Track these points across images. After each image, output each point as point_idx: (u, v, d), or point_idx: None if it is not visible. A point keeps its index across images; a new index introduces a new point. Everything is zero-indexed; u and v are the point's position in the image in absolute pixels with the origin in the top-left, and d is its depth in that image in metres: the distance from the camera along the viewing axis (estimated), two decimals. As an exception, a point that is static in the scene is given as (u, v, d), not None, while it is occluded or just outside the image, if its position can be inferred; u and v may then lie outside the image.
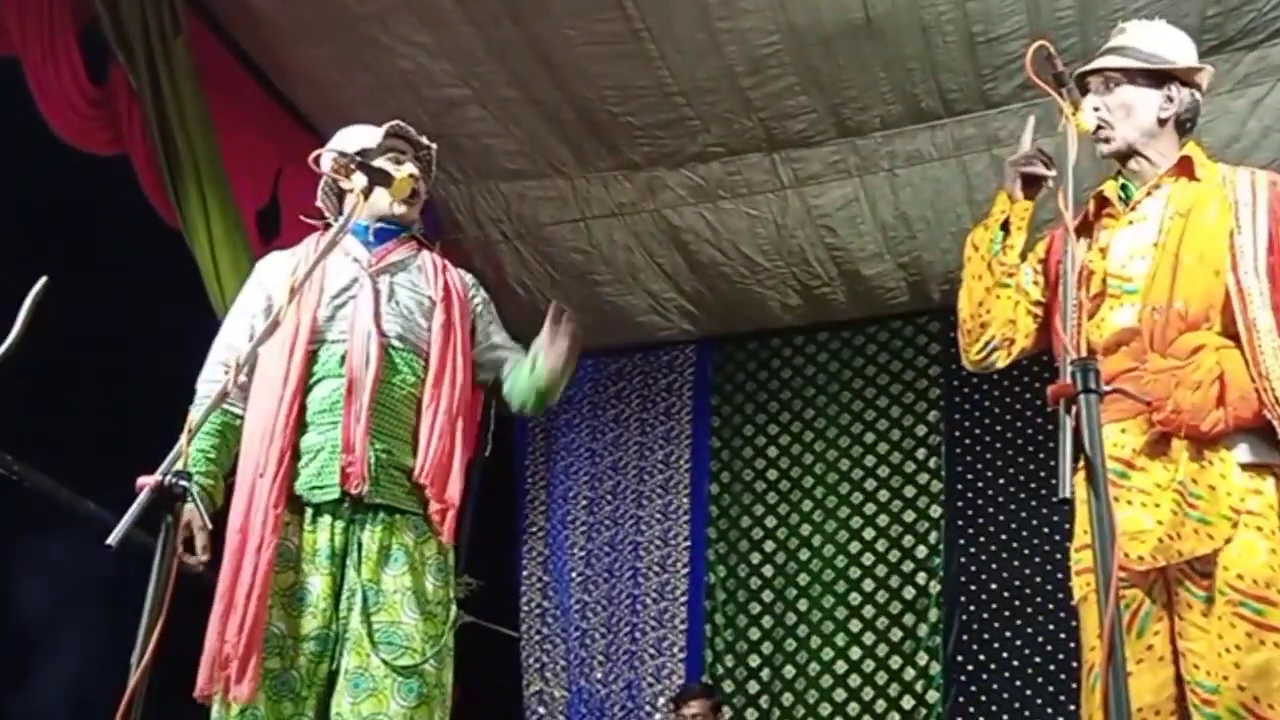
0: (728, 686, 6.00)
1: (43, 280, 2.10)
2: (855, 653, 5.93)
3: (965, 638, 5.73)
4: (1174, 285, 2.34)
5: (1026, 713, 5.51)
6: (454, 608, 2.59)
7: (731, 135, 5.32)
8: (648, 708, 6.11)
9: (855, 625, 5.97)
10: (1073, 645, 5.13)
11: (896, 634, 5.89)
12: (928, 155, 5.34)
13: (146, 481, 1.94)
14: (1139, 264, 2.41)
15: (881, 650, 5.88)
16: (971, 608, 5.76)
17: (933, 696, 5.71)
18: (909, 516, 6.05)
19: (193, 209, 4.30)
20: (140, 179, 4.25)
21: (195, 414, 2.26)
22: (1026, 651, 5.60)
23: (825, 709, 5.87)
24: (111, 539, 1.86)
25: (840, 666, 5.92)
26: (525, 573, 6.60)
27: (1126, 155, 2.52)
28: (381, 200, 2.72)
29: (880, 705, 5.80)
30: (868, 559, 6.05)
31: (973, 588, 5.79)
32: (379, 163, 2.71)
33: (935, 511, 6.00)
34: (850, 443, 6.29)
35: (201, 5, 4.61)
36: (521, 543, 6.63)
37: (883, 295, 6.17)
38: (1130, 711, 1.55)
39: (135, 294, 3.89)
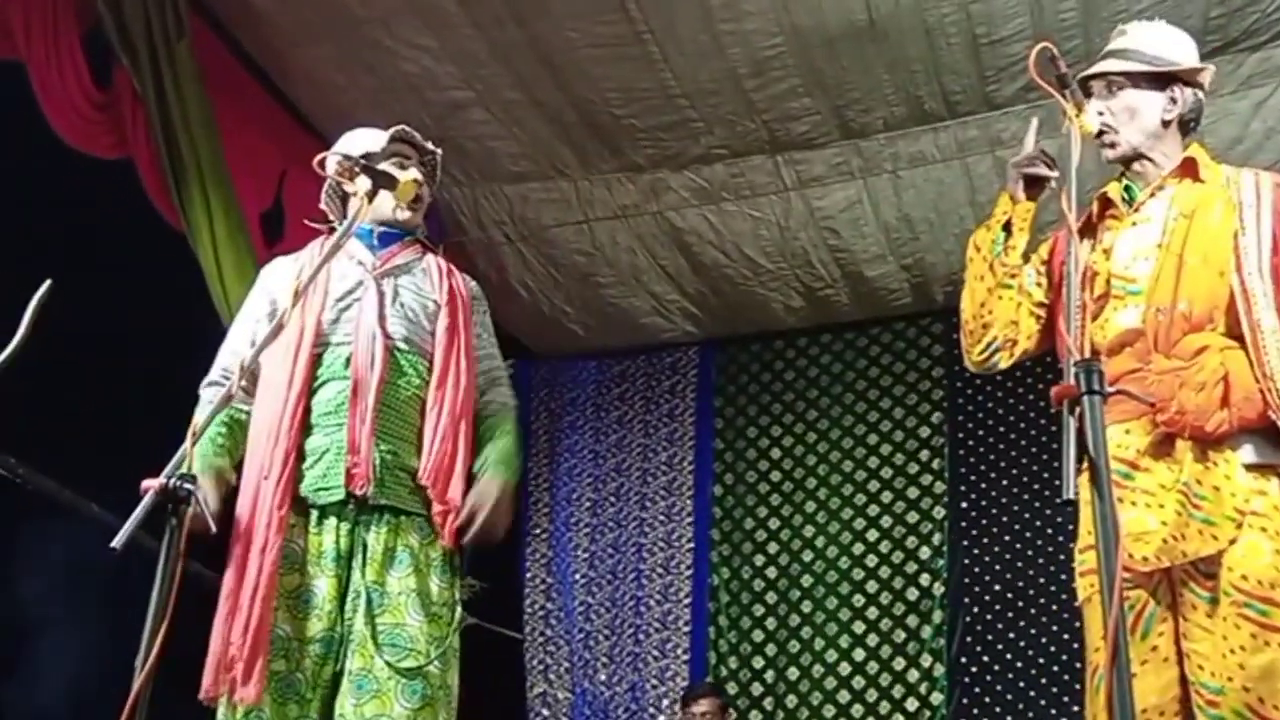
0: (732, 689, 5.99)
1: (46, 283, 2.11)
2: (859, 654, 5.92)
3: (969, 639, 5.72)
4: (1178, 286, 2.34)
5: (1031, 714, 5.50)
6: (459, 609, 2.59)
7: (734, 137, 5.31)
8: (651, 710, 6.11)
9: (859, 627, 5.97)
10: (1077, 647, 5.12)
11: (900, 636, 5.88)
12: (931, 157, 5.33)
13: (151, 484, 1.94)
14: (1143, 265, 2.41)
15: (885, 652, 5.88)
16: (975, 609, 5.75)
17: (937, 698, 5.71)
18: (912, 518, 6.05)
19: (196, 212, 4.29)
20: (144, 182, 4.24)
21: (200, 416, 2.27)
22: (1030, 653, 5.59)
23: (829, 711, 5.87)
24: (116, 541, 1.86)
25: (844, 668, 5.92)
26: (529, 575, 6.60)
27: (1131, 159, 2.51)
28: (385, 204, 2.72)
29: (884, 707, 5.80)
30: (871, 561, 6.04)
31: (976, 589, 5.78)
32: (384, 166, 2.71)
33: (939, 513, 6.00)
34: (853, 444, 6.29)
35: (204, 7, 4.60)
36: (525, 545, 6.62)
37: (886, 297, 6.17)
38: (1135, 713, 1.55)
39: (138, 296, 3.88)
